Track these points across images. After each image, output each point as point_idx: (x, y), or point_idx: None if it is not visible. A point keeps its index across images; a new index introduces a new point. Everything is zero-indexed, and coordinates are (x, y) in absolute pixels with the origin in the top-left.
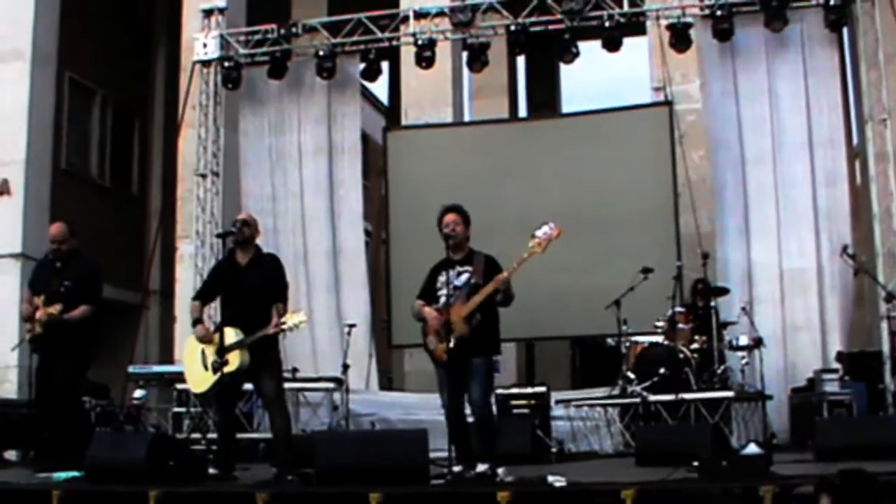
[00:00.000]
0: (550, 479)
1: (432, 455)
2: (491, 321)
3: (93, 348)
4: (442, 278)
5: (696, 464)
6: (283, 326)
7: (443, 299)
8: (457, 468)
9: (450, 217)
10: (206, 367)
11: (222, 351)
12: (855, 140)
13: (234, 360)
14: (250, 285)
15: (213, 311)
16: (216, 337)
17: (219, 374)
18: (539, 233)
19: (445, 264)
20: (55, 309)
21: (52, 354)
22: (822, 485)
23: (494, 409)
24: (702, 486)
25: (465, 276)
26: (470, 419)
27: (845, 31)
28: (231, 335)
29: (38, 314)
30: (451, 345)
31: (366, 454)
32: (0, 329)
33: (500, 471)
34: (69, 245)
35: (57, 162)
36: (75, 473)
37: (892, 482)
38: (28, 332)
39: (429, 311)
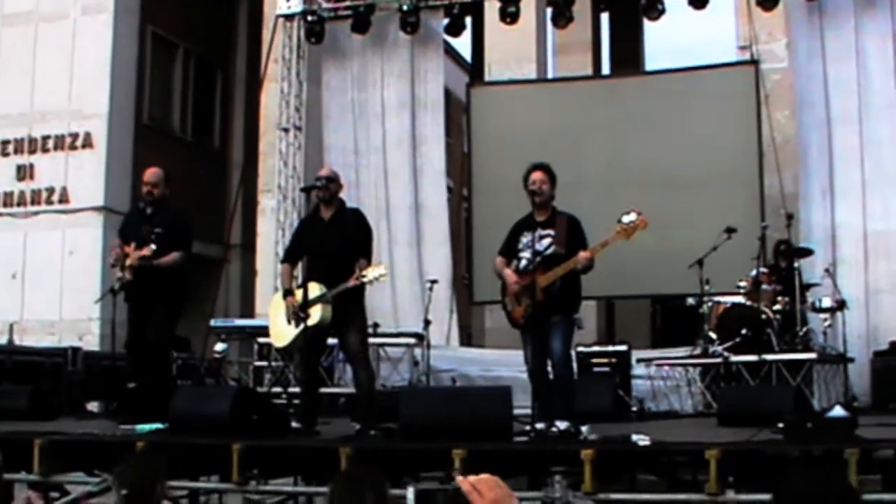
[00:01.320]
0: (634, 437)
1: (514, 412)
2: (572, 283)
3: (183, 297)
4: (525, 239)
5: (780, 425)
6: (364, 279)
7: (523, 262)
8: (539, 425)
9: (537, 175)
10: (289, 321)
11: (305, 305)
12: None
13: (316, 314)
14: (334, 240)
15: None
16: (300, 292)
17: (300, 327)
18: (625, 219)
19: (529, 223)
20: (148, 250)
21: (143, 303)
22: None
23: (575, 366)
24: (787, 448)
25: (546, 241)
26: (551, 376)
27: None
28: (315, 290)
29: (129, 259)
30: (530, 310)
31: (449, 410)
32: (83, 282)
33: (583, 429)
34: (161, 190)
35: (139, 116)
36: (159, 425)
37: None
38: (118, 279)
39: (509, 274)
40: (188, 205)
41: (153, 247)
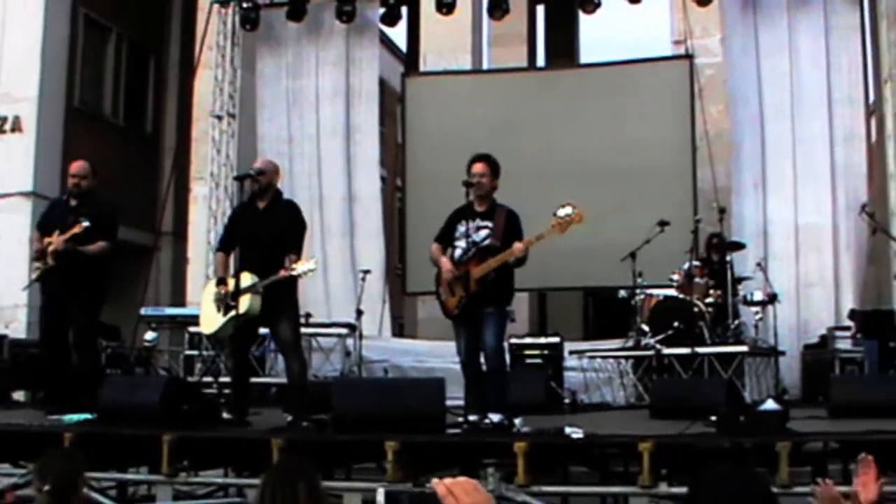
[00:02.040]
0: (568, 430)
1: (447, 403)
2: (505, 275)
3: (106, 287)
4: (462, 228)
5: (713, 418)
6: (293, 273)
7: (458, 251)
8: (472, 417)
9: (478, 166)
10: (218, 309)
11: (235, 294)
12: (871, 98)
13: (244, 304)
14: (267, 230)
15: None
16: (233, 281)
17: (228, 315)
18: (561, 213)
19: (467, 212)
20: (79, 228)
21: (62, 290)
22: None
23: (508, 358)
24: (719, 441)
25: (484, 233)
26: (484, 368)
27: None
28: (247, 280)
29: (54, 245)
30: (463, 301)
31: (382, 402)
32: (10, 268)
33: (516, 421)
34: (89, 182)
35: (70, 100)
36: (87, 416)
37: None
38: (36, 269)
39: (445, 262)
40: (118, 190)
41: (85, 223)
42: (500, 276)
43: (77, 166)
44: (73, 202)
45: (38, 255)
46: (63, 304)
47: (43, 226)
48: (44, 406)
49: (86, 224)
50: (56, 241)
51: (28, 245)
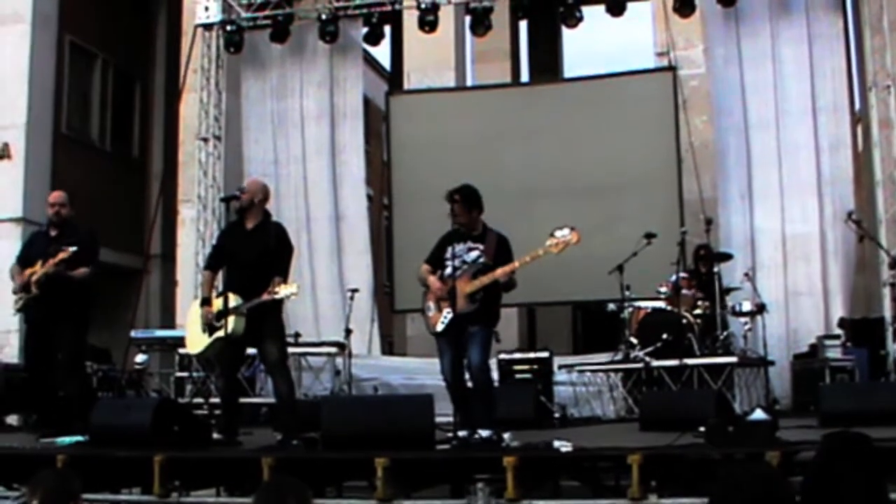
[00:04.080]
0: (556, 444)
1: (437, 420)
2: (493, 296)
3: (91, 312)
4: (452, 250)
5: (702, 429)
6: (276, 296)
7: (449, 269)
8: (461, 433)
9: (452, 204)
10: (203, 330)
11: (220, 315)
12: (857, 106)
13: (229, 325)
14: (254, 251)
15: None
16: (218, 301)
17: (212, 337)
18: (558, 234)
19: (458, 236)
20: (66, 253)
21: (47, 317)
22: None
23: (496, 374)
24: (709, 452)
25: (474, 254)
26: (470, 385)
27: None
28: (232, 300)
29: (43, 270)
30: (451, 317)
31: (371, 419)
32: (1, 294)
33: (505, 436)
34: (68, 211)
35: (57, 126)
36: (79, 438)
37: (889, 448)
38: (19, 299)
39: (433, 280)
40: (107, 215)
41: (72, 249)
42: (488, 298)
43: (56, 196)
44: (53, 232)
45: (22, 286)
46: (48, 331)
47: (24, 259)
48: (36, 430)
49: (73, 249)
50: (45, 266)
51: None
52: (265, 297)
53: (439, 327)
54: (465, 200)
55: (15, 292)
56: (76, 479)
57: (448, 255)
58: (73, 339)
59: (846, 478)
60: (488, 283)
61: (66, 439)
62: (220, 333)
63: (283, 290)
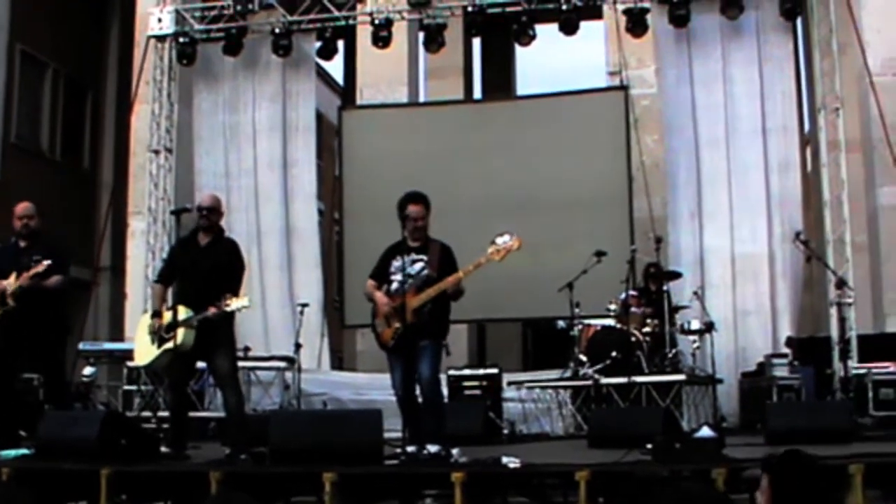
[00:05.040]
0: (504, 460)
1: (385, 435)
2: (441, 308)
3: (68, 320)
4: (397, 263)
5: (649, 446)
6: (227, 308)
7: (395, 284)
8: (410, 448)
9: (416, 208)
10: (152, 342)
11: (170, 327)
12: (806, 128)
13: (178, 337)
14: (207, 266)
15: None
16: (168, 314)
17: (162, 348)
18: (499, 241)
19: (401, 248)
20: (42, 266)
21: (25, 330)
22: (764, 464)
23: (445, 390)
24: (655, 469)
25: (419, 266)
26: (420, 400)
27: (799, 20)
28: (183, 313)
29: (17, 283)
30: (399, 332)
31: (320, 434)
32: None
33: (454, 451)
34: (37, 222)
35: (7, 135)
36: (25, 451)
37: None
38: None
39: (380, 297)
40: (56, 226)
41: (47, 262)
42: (437, 309)
43: (23, 207)
44: (22, 243)
45: None
46: (21, 344)
47: None
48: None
49: (47, 262)
50: (20, 279)
51: None
52: (214, 310)
53: (391, 343)
54: (427, 203)
55: None
56: (27, 493)
57: (392, 268)
58: (55, 349)
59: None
60: (435, 295)
61: (11, 452)
62: (170, 345)
63: (234, 303)
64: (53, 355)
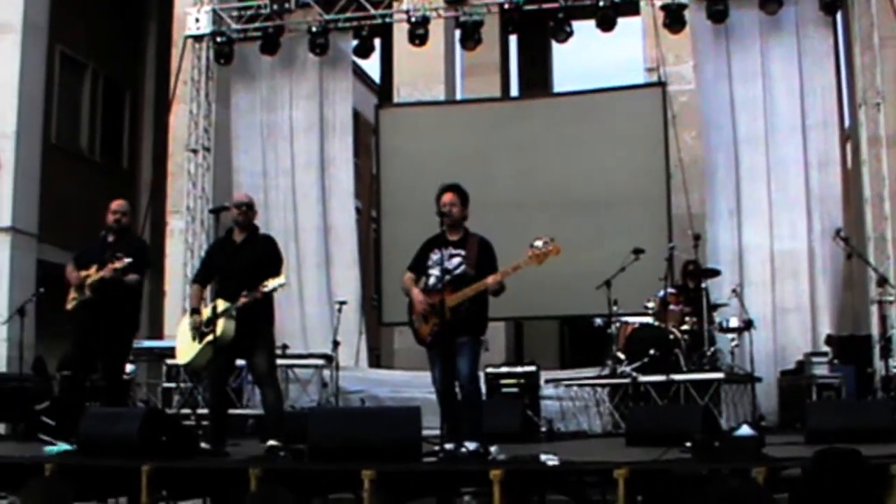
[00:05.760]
0: (543, 457)
1: (423, 433)
2: (479, 305)
3: (139, 318)
4: (434, 256)
5: (688, 444)
6: (264, 290)
7: (432, 279)
8: (448, 446)
9: (448, 196)
10: (193, 339)
11: (210, 320)
12: (846, 123)
13: (218, 327)
14: (244, 263)
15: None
16: (207, 311)
17: (203, 342)
18: (539, 244)
19: (439, 241)
20: (122, 262)
21: (100, 322)
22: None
23: (483, 387)
24: (695, 467)
25: (456, 260)
26: (459, 397)
27: (839, 14)
28: (221, 306)
29: (101, 274)
30: (437, 329)
31: (359, 431)
32: None
33: (492, 449)
34: (128, 220)
35: (47, 136)
36: (67, 447)
37: (880, 465)
38: (72, 300)
39: (416, 294)
40: (95, 225)
41: (128, 260)
42: (475, 306)
43: (119, 204)
44: (110, 238)
45: (77, 287)
46: (96, 336)
47: (81, 260)
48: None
49: (128, 259)
50: (102, 271)
51: (9, 280)
52: (255, 294)
53: (428, 339)
54: (462, 194)
55: (73, 288)
56: (68, 489)
57: (430, 261)
58: (124, 344)
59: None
60: (472, 294)
61: (54, 448)
62: (210, 337)
63: (271, 283)
64: (120, 350)
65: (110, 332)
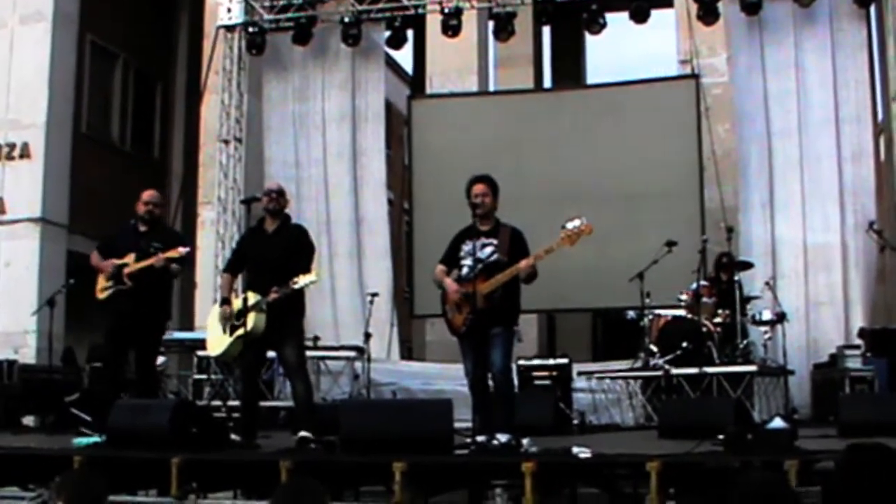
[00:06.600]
0: (575, 450)
1: (455, 425)
2: (512, 293)
3: (170, 308)
4: (466, 247)
5: (721, 437)
6: (295, 286)
7: (465, 269)
8: (480, 438)
9: (479, 187)
10: (224, 330)
11: (240, 313)
12: (880, 116)
13: (249, 321)
14: (275, 253)
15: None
16: (237, 301)
17: (234, 335)
18: (570, 225)
19: (471, 233)
20: (175, 252)
21: (138, 310)
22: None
23: (516, 379)
24: (728, 460)
25: (489, 250)
26: (492, 389)
27: (872, 7)
28: (252, 299)
29: (132, 267)
30: (470, 318)
31: (390, 423)
32: (20, 294)
33: (524, 441)
34: (160, 211)
35: (77, 126)
36: (96, 439)
37: None
38: (104, 288)
39: (449, 283)
40: (126, 216)
41: (184, 249)
42: (508, 295)
43: (150, 194)
44: (142, 228)
45: (113, 277)
46: (131, 324)
47: (111, 248)
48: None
49: (185, 249)
50: (151, 259)
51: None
52: (285, 289)
53: (462, 329)
54: (493, 185)
55: (107, 279)
56: (101, 482)
57: (462, 253)
58: (158, 334)
59: (869, 489)
60: (506, 280)
61: (84, 440)
62: (241, 331)
63: (302, 280)
64: (154, 339)
65: (146, 320)
